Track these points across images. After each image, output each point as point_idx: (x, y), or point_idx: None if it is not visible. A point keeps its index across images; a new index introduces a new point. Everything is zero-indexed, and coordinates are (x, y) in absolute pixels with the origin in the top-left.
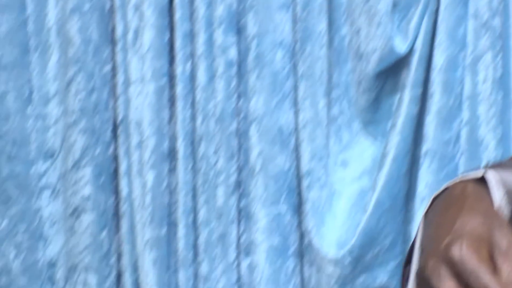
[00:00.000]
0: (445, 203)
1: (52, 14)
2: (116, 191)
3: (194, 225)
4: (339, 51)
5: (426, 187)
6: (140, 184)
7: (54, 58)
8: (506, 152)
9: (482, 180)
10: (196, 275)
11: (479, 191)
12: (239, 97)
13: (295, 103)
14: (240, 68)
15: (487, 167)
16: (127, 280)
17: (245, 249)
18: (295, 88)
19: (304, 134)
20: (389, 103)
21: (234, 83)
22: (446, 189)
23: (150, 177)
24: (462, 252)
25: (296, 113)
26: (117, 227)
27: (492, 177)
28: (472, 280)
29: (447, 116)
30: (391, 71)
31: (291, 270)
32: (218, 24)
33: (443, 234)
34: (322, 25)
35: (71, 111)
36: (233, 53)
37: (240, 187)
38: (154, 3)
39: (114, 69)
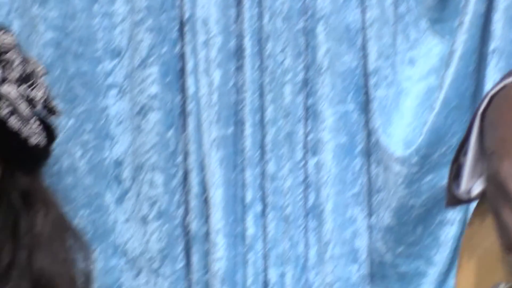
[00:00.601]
0: (509, 102)
1: None
2: (182, 90)
3: (261, 124)
4: None
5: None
6: (207, 83)
7: None
8: None
9: None
10: (263, 174)
11: None
12: None
13: (362, 1)
14: None
15: None
16: (194, 179)
17: (312, 148)
18: None
19: (371, 32)
20: (456, 1)
21: None
22: (503, 87)
23: (217, 75)
24: None
25: (363, 11)
26: (183, 126)
27: None
28: None
29: None
30: None
31: (358, 169)
32: None
33: None
34: None
35: (137, 10)
36: None
37: (307, 86)
38: None
39: None
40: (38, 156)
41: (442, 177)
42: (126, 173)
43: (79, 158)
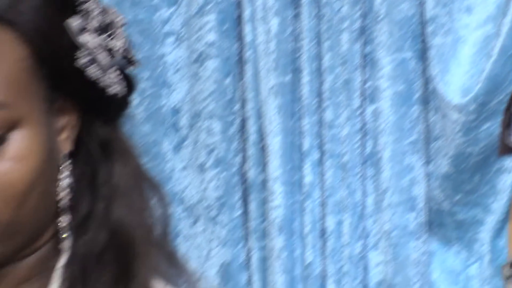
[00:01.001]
0: None
1: None
2: (240, 37)
3: (318, 72)
4: None
5: None
6: (264, 30)
7: None
8: None
9: None
10: (320, 122)
11: None
12: None
13: None
14: None
15: None
16: (251, 127)
17: (369, 96)
18: None
19: None
20: None
21: None
22: None
23: (274, 23)
24: None
25: None
26: (241, 74)
27: None
28: None
29: None
30: None
31: (416, 117)
32: None
33: None
34: None
35: None
36: None
37: (364, 33)
38: None
39: None
40: (117, 106)
41: (499, 125)
42: (184, 121)
43: (137, 106)
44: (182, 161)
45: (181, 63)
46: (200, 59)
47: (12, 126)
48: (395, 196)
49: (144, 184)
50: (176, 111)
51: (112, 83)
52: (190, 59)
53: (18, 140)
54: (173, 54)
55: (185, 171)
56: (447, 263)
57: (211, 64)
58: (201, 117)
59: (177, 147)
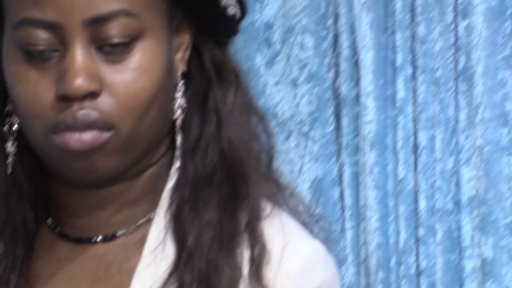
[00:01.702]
0: None
1: None
2: None
3: None
4: None
5: None
6: None
7: None
8: None
9: None
10: (413, 37)
11: None
12: None
13: None
14: None
15: None
16: (344, 42)
17: (462, 11)
18: None
19: None
20: None
21: None
22: None
23: None
24: None
25: None
26: None
27: None
28: None
29: None
30: None
31: (509, 32)
32: None
33: None
34: None
35: None
36: None
37: None
38: None
39: None
40: (229, 29)
41: None
42: (276, 36)
43: None
44: (275, 76)
45: None
46: None
47: (138, 36)
48: (488, 111)
49: (252, 113)
50: (269, 26)
51: (230, 4)
52: None
53: (142, 51)
54: None
55: (277, 86)
56: None
57: None
58: (294, 32)
59: (270, 62)
